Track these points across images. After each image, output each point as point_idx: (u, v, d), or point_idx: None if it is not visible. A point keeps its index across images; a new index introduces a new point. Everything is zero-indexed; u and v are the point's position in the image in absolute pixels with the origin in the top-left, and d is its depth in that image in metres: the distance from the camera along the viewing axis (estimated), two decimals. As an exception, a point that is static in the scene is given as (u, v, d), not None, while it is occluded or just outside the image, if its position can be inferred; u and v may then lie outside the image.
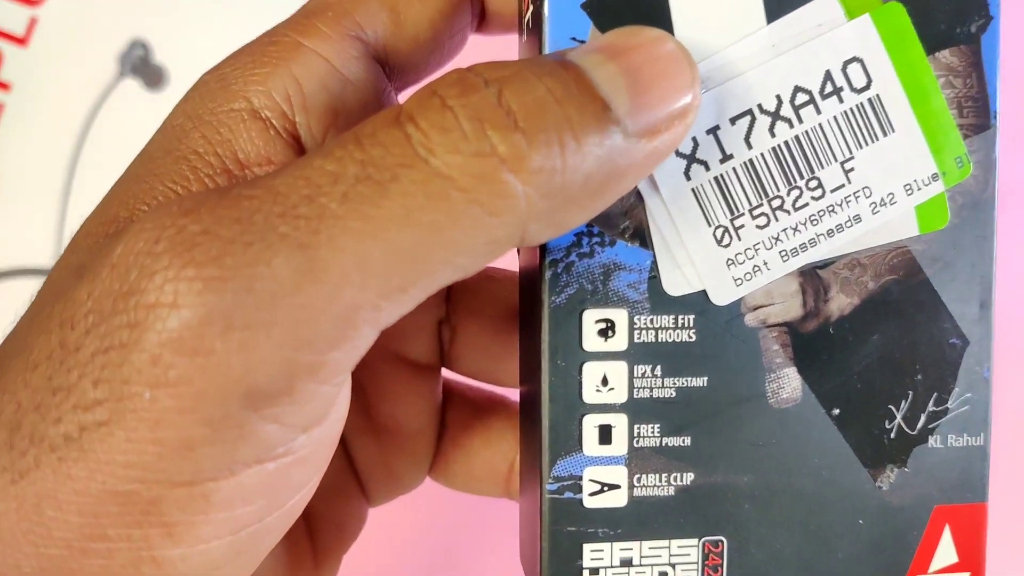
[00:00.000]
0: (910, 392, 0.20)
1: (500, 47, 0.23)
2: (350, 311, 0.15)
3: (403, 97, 0.22)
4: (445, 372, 0.25)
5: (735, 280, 0.19)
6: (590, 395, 0.19)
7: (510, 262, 0.21)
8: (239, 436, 0.15)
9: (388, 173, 0.15)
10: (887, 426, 0.20)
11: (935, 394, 0.20)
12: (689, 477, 0.19)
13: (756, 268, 0.19)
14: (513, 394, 0.24)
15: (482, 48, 0.23)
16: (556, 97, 0.16)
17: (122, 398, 0.15)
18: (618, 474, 0.19)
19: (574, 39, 0.18)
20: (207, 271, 0.14)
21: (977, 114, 0.19)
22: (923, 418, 0.20)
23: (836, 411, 0.19)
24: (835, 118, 0.19)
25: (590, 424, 0.19)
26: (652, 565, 0.19)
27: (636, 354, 0.19)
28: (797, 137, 0.19)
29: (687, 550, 0.19)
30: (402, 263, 0.15)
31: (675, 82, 0.17)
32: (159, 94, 0.41)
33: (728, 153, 0.19)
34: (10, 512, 0.15)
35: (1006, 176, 0.40)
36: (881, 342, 0.19)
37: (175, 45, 0.41)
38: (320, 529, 0.23)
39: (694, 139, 0.18)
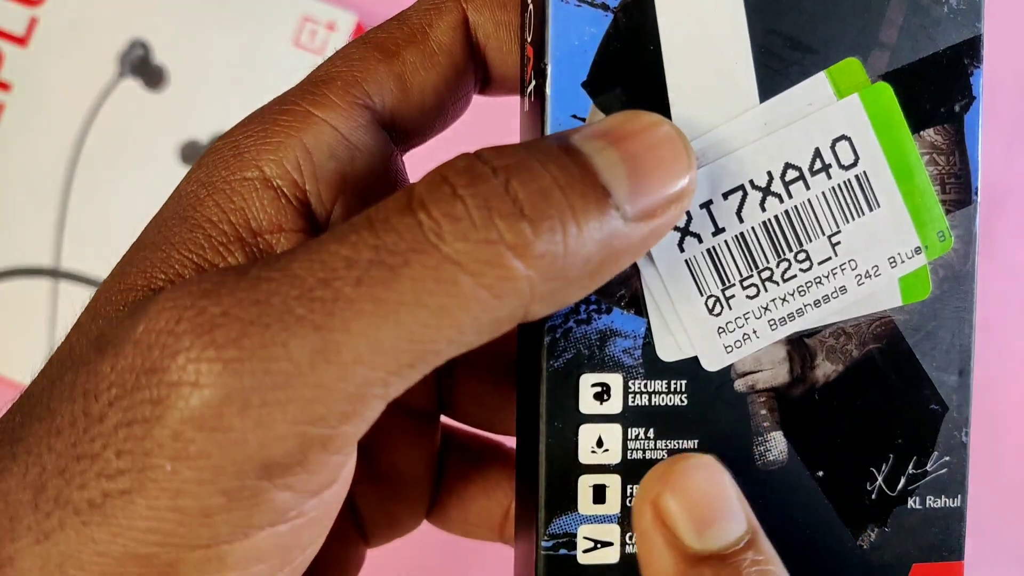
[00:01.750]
0: (891, 455, 0.20)
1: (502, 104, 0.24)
2: (361, 388, 0.16)
3: (407, 158, 0.23)
4: (444, 420, 0.26)
5: (725, 347, 0.20)
6: (585, 456, 0.20)
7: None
8: (254, 504, 0.16)
9: (400, 258, 0.16)
10: (868, 487, 0.20)
11: (915, 457, 0.20)
12: None
13: (746, 336, 0.20)
14: (509, 441, 0.25)
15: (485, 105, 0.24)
16: (560, 185, 0.16)
17: (144, 469, 0.15)
18: (611, 532, 0.20)
19: (575, 116, 0.19)
20: (227, 352, 0.15)
21: (959, 190, 0.20)
22: (903, 480, 0.20)
23: (820, 473, 0.20)
24: (823, 194, 0.20)
25: (585, 484, 0.20)
26: None
27: (630, 417, 0.20)
28: (787, 212, 0.20)
29: None
30: (411, 343, 0.16)
31: (672, 168, 0.17)
32: (159, 94, 0.41)
33: (720, 227, 0.19)
34: (34, 570, 0.16)
35: (1008, 176, 0.41)
36: (864, 407, 0.20)
37: (175, 45, 0.42)
38: (321, 572, 0.24)
39: (688, 213, 0.19)
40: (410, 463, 0.25)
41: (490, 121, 0.25)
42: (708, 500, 0.18)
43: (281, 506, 0.16)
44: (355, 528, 0.25)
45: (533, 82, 0.20)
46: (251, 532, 0.16)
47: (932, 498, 0.21)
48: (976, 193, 0.20)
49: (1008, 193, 0.41)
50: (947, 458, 0.21)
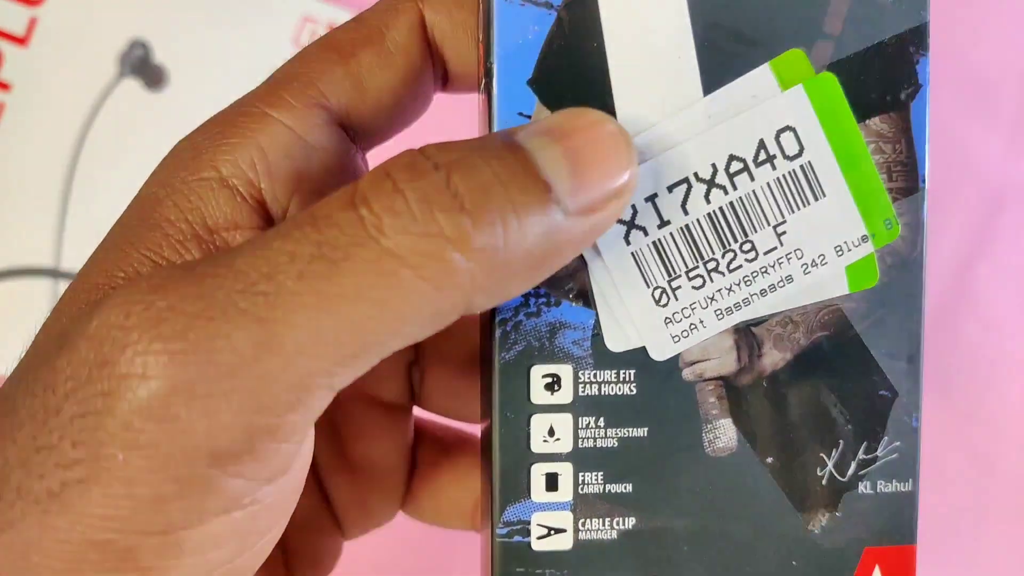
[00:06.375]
0: (840, 441, 0.21)
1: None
2: (305, 378, 0.16)
3: (371, 155, 0.23)
4: (417, 411, 0.26)
5: (672, 337, 0.20)
6: (538, 445, 0.20)
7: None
8: (206, 491, 0.16)
9: (341, 252, 0.16)
10: (819, 473, 0.21)
11: (865, 443, 0.21)
12: (631, 521, 0.20)
13: (692, 326, 0.20)
14: (478, 431, 0.25)
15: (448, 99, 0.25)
16: (501, 180, 0.17)
17: (98, 458, 0.16)
18: (564, 519, 0.20)
19: (521, 114, 0.19)
20: (173, 345, 0.16)
21: (906, 178, 0.20)
22: (853, 465, 0.21)
23: (770, 459, 0.21)
24: (768, 184, 0.20)
25: (538, 472, 0.20)
26: None
27: (580, 406, 0.20)
28: (731, 203, 0.20)
29: None
30: (353, 334, 0.16)
31: (613, 164, 0.18)
32: (159, 94, 0.41)
33: (665, 219, 0.20)
34: None
35: (1008, 176, 0.40)
36: (813, 394, 0.21)
37: (175, 45, 0.41)
38: (297, 563, 0.25)
39: (633, 207, 0.20)
40: (384, 454, 0.25)
41: (455, 118, 0.25)
42: None
43: (233, 493, 0.17)
44: (331, 520, 0.26)
45: (483, 80, 0.20)
46: (205, 518, 0.17)
47: (883, 482, 0.21)
48: (923, 180, 0.21)
49: (1008, 193, 0.40)
50: (898, 443, 0.21)
